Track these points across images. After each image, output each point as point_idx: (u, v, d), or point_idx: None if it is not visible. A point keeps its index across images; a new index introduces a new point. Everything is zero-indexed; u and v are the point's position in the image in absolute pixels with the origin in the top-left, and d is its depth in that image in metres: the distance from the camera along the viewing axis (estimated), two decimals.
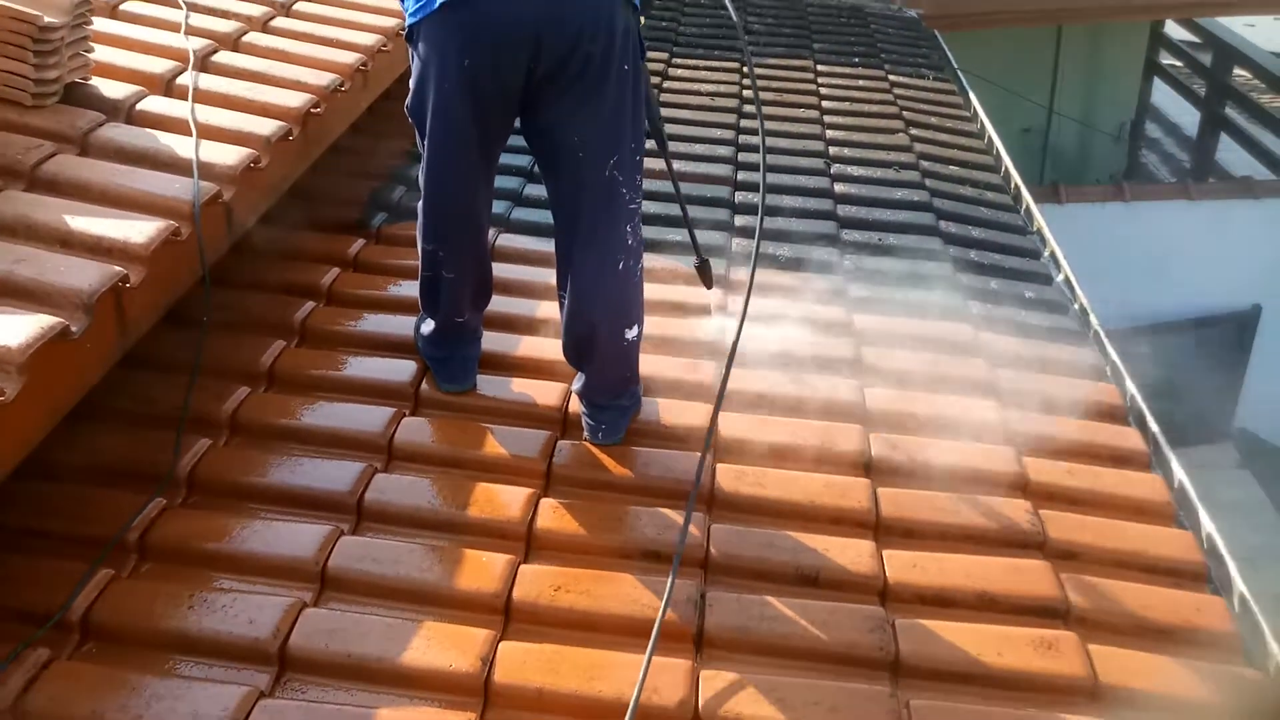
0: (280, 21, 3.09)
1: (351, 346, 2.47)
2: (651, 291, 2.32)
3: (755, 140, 3.90)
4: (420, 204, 2.21)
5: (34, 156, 2.11)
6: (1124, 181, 7.28)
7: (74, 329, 1.71)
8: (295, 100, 2.61)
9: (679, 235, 3.11)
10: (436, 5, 1.96)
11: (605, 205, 2.11)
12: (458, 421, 2.26)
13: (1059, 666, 1.80)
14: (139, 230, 1.97)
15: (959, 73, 5.11)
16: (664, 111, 3.78)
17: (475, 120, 2.06)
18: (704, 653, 1.81)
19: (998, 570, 2.00)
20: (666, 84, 4.37)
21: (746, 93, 4.36)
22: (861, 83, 4.68)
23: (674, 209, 3.24)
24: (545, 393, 2.35)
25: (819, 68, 4.78)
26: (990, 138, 4.34)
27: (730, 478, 2.17)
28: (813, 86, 4.55)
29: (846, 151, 3.91)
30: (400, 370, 2.38)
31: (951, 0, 6.06)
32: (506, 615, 1.84)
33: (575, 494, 2.12)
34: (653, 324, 2.41)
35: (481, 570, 1.88)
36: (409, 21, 2.04)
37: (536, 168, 2.99)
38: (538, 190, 3.23)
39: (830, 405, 2.43)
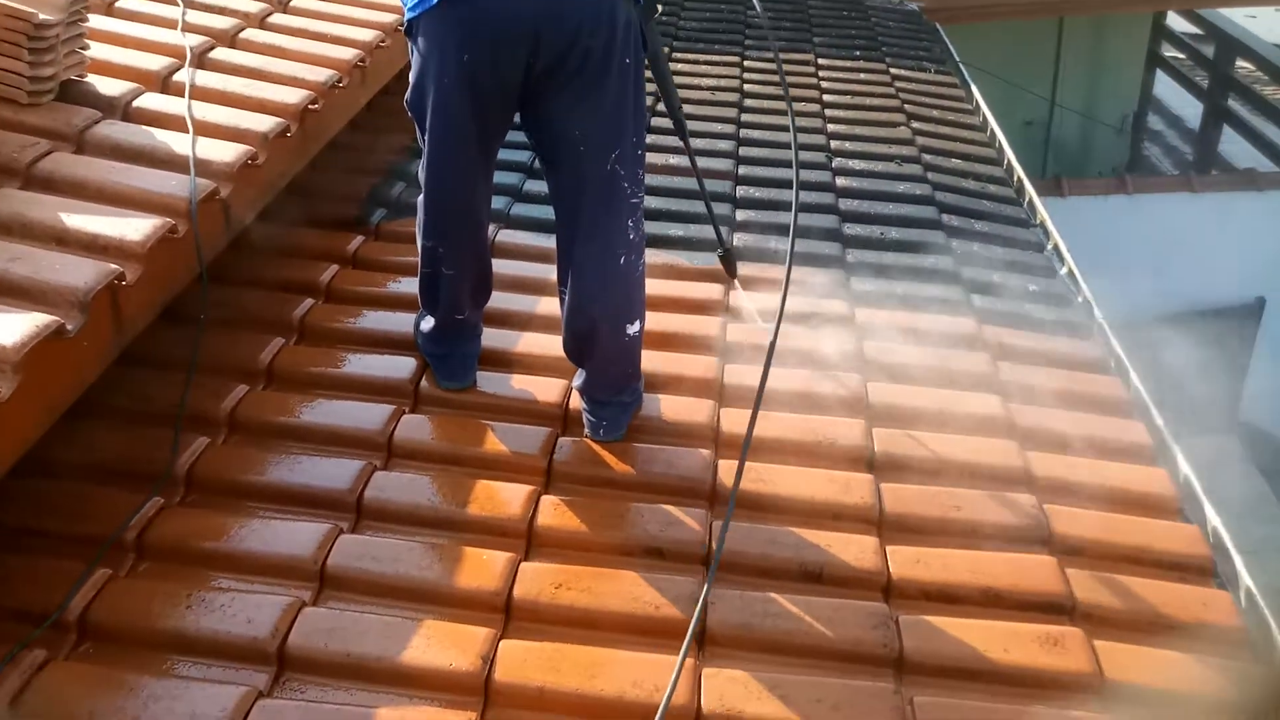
0: (277, 18, 3.08)
1: (350, 344, 2.46)
2: (653, 287, 2.30)
3: (755, 135, 3.89)
4: (420, 200, 2.20)
5: (29, 154, 2.10)
6: (1127, 174, 7.26)
7: (70, 327, 1.70)
8: (293, 97, 2.60)
9: (680, 230, 3.10)
10: (435, 0, 1.95)
11: (606, 199, 2.09)
12: (458, 418, 2.25)
13: (1065, 662, 1.78)
14: (135, 228, 1.97)
15: (961, 65, 5.10)
16: None
17: (474, 115, 2.05)
18: (706, 650, 1.79)
19: (1002, 566, 1.99)
20: None
21: (752, 87, 4.34)
22: (863, 76, 4.66)
23: (675, 204, 3.25)
24: (546, 389, 2.34)
25: (820, 61, 4.76)
26: (992, 130, 4.33)
27: (733, 474, 2.15)
28: (814, 80, 4.53)
29: (848, 145, 3.90)
30: (400, 367, 2.36)
31: None
32: (507, 613, 1.82)
33: (576, 491, 2.11)
34: (654, 319, 2.39)
35: (482, 568, 1.87)
36: (408, 16, 2.03)
37: (537, 163, 2.98)
38: (537, 186, 3.22)
39: (833, 400, 2.42)
